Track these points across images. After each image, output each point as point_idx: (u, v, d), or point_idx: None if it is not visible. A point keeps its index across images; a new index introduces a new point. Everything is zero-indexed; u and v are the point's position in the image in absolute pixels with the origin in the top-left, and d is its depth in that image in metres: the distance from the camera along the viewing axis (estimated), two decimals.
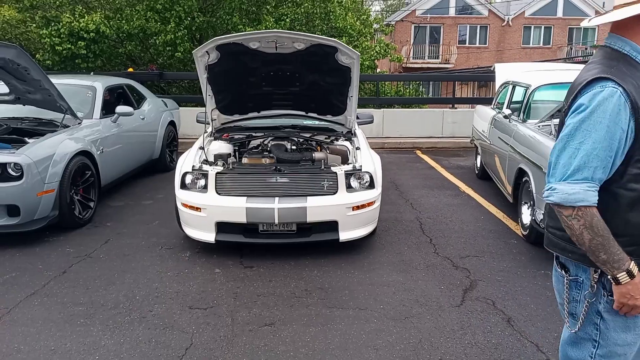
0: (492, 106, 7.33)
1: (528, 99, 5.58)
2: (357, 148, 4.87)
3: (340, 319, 3.34)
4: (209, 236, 4.31)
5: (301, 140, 5.16)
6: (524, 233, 4.87)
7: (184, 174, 4.40)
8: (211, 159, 4.67)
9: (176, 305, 3.54)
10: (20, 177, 4.46)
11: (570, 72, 6.51)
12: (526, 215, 4.93)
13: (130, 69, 10.85)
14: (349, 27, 11.86)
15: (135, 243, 4.72)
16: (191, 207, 4.33)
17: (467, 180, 7.30)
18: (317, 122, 5.57)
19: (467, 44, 31.02)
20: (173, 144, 8.14)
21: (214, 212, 4.24)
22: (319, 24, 11.82)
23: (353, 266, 4.21)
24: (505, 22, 30.69)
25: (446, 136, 10.66)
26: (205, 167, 4.37)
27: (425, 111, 11.20)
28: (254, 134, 5.27)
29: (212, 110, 5.18)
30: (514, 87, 6.39)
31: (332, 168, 4.35)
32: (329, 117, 5.37)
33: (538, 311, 3.47)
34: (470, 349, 3.02)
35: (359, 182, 4.44)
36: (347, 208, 4.28)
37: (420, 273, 4.09)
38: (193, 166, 4.38)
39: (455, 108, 11.02)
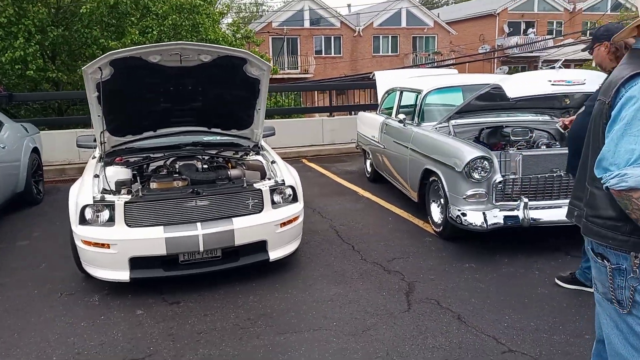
0: (377, 112, 7.57)
1: (421, 103, 5.82)
2: (273, 162, 4.66)
3: (298, 345, 3.12)
4: (122, 275, 3.80)
5: (207, 158, 4.80)
6: (437, 230, 5.05)
7: (84, 208, 3.82)
8: (111, 187, 4.12)
9: (108, 359, 3.02)
10: None
11: (449, 77, 6.99)
12: (436, 213, 5.13)
13: None
14: (220, 38, 11.54)
15: (25, 294, 3.99)
16: (96, 245, 3.77)
17: (360, 184, 7.45)
18: (218, 138, 5.24)
19: (323, 54, 32.18)
20: (38, 172, 7.15)
21: (126, 247, 3.74)
22: (187, 36, 11.32)
23: (288, 285, 4.00)
24: (357, 32, 32.43)
25: (327, 143, 10.83)
26: (109, 197, 3.84)
27: (306, 120, 11.28)
28: (152, 155, 4.77)
29: (101, 132, 4.59)
30: (401, 93, 6.65)
31: (255, 185, 4.10)
32: (234, 132, 5.07)
33: (480, 304, 3.58)
34: (438, 352, 3.00)
35: (282, 197, 4.24)
36: (275, 225, 4.05)
37: (357, 282, 4.01)
38: (94, 197, 3.82)
39: (334, 116, 11.26)
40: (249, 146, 5.07)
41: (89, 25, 10.10)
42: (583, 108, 3.59)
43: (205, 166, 4.57)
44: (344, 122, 11.14)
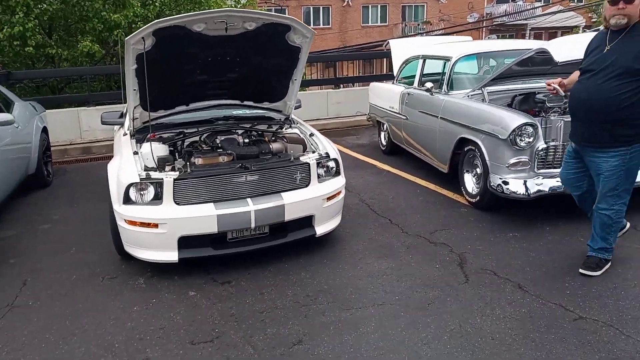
0: (394, 82, 7.45)
1: (450, 71, 5.72)
2: (311, 134, 4.56)
3: (367, 320, 3.09)
4: (170, 255, 3.70)
5: (244, 131, 4.68)
6: (472, 201, 5.02)
7: (129, 186, 3.70)
8: (151, 164, 3.99)
9: (173, 344, 2.95)
10: None
11: (477, 44, 6.89)
12: (470, 184, 5.10)
13: None
14: None
15: (64, 279, 3.88)
16: (142, 224, 3.66)
17: (376, 156, 7.38)
18: (248, 112, 5.10)
19: (312, 25, 31.59)
20: (47, 153, 6.93)
21: (176, 226, 3.64)
22: (189, 8, 10.96)
23: (337, 260, 3.95)
24: (346, 2, 31.87)
25: (332, 117, 10.69)
26: (155, 174, 3.72)
27: (310, 93, 11.09)
28: (186, 131, 4.63)
29: (135, 107, 4.43)
30: (424, 61, 6.53)
31: (302, 159, 4.01)
32: (266, 104, 4.94)
33: (537, 272, 3.58)
34: (510, 322, 2.99)
35: (325, 171, 4.16)
36: (322, 200, 3.99)
37: (405, 255, 3.98)
38: (139, 175, 3.70)
39: (339, 88, 11.10)
40: (281, 119, 4.96)
41: None
42: (579, 73, 3.47)
43: (247, 140, 4.44)
44: (350, 94, 11.01)
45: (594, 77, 3.24)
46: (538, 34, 33.84)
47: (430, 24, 32.51)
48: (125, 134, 4.65)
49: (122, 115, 5.29)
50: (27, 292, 3.69)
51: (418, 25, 32.40)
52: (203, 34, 3.85)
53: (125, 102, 4.79)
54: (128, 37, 3.81)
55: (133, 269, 3.92)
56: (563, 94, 3.64)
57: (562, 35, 31.83)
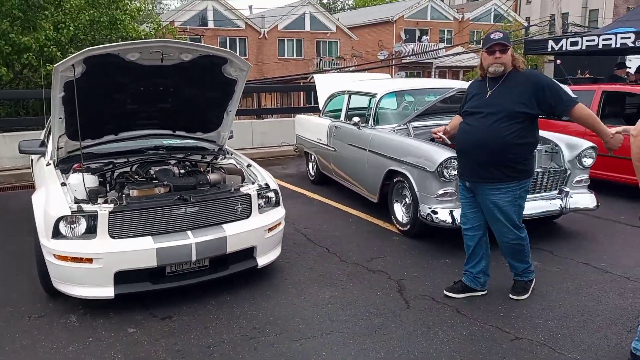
0: (320, 115, 7.65)
1: (376, 106, 5.99)
2: (249, 165, 4.55)
3: (317, 349, 3.09)
4: (106, 291, 3.50)
5: (177, 162, 4.57)
6: (403, 229, 5.23)
7: (59, 220, 3.47)
8: (81, 196, 3.79)
9: None
10: None
11: (400, 81, 7.26)
12: (400, 213, 5.31)
13: None
14: (143, 36, 10.96)
15: None
16: (74, 259, 3.45)
17: (306, 186, 7.49)
18: (179, 142, 5.00)
19: None
20: None
21: (112, 261, 3.46)
22: (105, 33, 10.60)
23: (280, 291, 3.93)
24: (262, 34, 32.32)
25: (257, 147, 10.72)
26: (87, 207, 3.53)
27: (234, 123, 11.04)
28: (115, 161, 4.45)
29: (60, 136, 4.21)
30: (350, 96, 6.78)
31: (242, 189, 3.98)
32: (199, 134, 4.87)
33: (471, 297, 3.78)
34: (453, 344, 3.12)
35: (264, 202, 4.16)
36: (264, 231, 3.97)
37: (346, 284, 4.04)
38: (71, 208, 3.49)
39: (263, 118, 11.17)
40: (214, 149, 4.91)
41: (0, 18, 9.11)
42: (463, 116, 3.66)
43: (182, 171, 4.35)
44: (274, 125, 11.13)
45: (483, 119, 3.42)
46: (442, 72, 36.27)
47: (344, 60, 33.76)
48: (48, 164, 4.39)
49: (43, 144, 4.99)
50: None
51: (332, 60, 33.52)
52: (137, 63, 3.77)
53: (43, 129, 4.50)
54: (57, 64, 3.66)
55: (63, 307, 3.66)
56: (449, 142, 3.83)
57: (464, 73, 34.32)
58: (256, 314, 3.57)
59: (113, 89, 4.06)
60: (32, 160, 5.62)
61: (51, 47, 9.80)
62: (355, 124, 6.14)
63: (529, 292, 3.76)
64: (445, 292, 3.82)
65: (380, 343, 3.16)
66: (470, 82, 3.85)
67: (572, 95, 3.49)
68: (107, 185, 4.19)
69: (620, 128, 3.40)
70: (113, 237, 3.50)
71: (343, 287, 3.99)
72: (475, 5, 41.65)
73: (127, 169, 4.40)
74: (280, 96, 17.27)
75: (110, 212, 3.49)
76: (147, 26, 12.44)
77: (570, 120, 3.62)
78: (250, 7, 40.41)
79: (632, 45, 9.18)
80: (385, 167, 5.37)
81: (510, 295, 3.74)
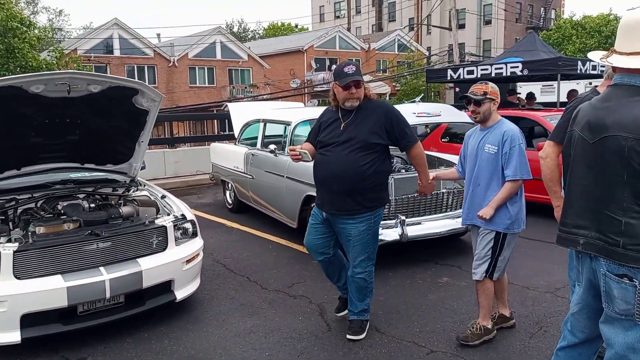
0: (236, 143, 7.67)
1: (291, 134, 6.12)
2: (163, 196, 4.47)
3: None
4: (12, 336, 3.27)
5: (87, 195, 4.38)
6: None
7: None
8: None
9: None
10: None
11: (312, 109, 7.44)
12: None
13: None
14: (44, 65, 10.42)
15: None
16: None
17: (224, 215, 7.42)
18: (87, 174, 4.81)
19: None
20: None
21: (18, 304, 3.24)
22: (3, 62, 9.96)
23: (200, 324, 3.86)
24: (172, 62, 31.80)
25: (171, 176, 10.47)
26: None
27: (147, 153, 10.72)
28: (18, 197, 4.19)
29: None
30: (265, 125, 6.87)
31: (157, 222, 3.90)
32: (109, 167, 4.72)
33: (388, 315, 3.93)
34: None
35: (181, 233, 4.10)
36: (182, 263, 3.90)
37: (268, 311, 4.06)
38: None
39: (176, 147, 10.96)
40: (125, 181, 4.77)
41: None
42: (319, 146, 3.53)
43: (93, 205, 4.18)
44: (188, 153, 10.94)
45: (338, 149, 3.39)
46: None
47: (257, 87, 34.00)
48: None
49: None
50: None
51: (245, 88, 33.63)
52: (41, 95, 3.63)
53: None
54: None
55: None
56: (310, 159, 3.55)
57: None
58: (176, 349, 3.48)
59: (15, 121, 3.87)
60: None
61: None
62: (271, 152, 6.22)
63: (365, 332, 3.61)
64: (335, 313, 3.86)
65: None
66: (323, 110, 3.76)
67: (415, 134, 3.69)
68: (10, 224, 3.93)
69: (438, 173, 3.88)
70: (18, 278, 3.29)
71: (265, 314, 4.00)
72: (380, 35, 43.77)
73: (32, 205, 4.16)
74: (193, 124, 17.03)
75: (14, 252, 3.28)
76: (48, 54, 11.86)
77: None
78: (158, 35, 39.91)
79: (520, 74, 10.11)
80: (303, 192, 5.48)
81: (348, 336, 3.55)
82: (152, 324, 3.82)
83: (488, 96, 3.36)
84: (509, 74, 10.26)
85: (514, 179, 3.28)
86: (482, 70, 10.78)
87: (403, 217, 4.91)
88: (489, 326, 3.49)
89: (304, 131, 6.57)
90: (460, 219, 5.31)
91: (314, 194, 5.26)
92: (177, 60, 32.18)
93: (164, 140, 11.23)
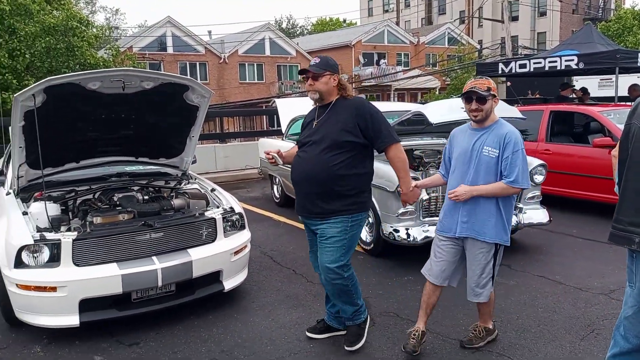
0: (284, 138, 7.77)
1: None
2: (212, 189, 4.59)
3: None
4: (71, 319, 3.46)
5: (140, 188, 4.58)
6: (367, 248, 5.35)
7: (21, 249, 3.43)
8: (43, 224, 3.75)
9: None
10: None
11: None
12: (363, 233, 5.43)
13: None
14: (101, 63, 10.89)
15: None
16: (38, 289, 3.41)
17: (272, 209, 7.54)
18: (141, 168, 5.01)
19: None
20: None
21: (77, 289, 3.43)
22: (62, 59, 10.48)
23: (247, 314, 3.96)
24: (222, 59, 32.45)
25: (221, 170, 10.73)
26: (51, 235, 3.50)
27: (198, 147, 11.03)
28: (77, 189, 4.42)
29: (20, 165, 4.18)
30: None
31: (207, 214, 4.02)
32: (162, 160, 4.89)
33: (435, 312, 3.90)
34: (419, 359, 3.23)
35: (229, 225, 4.21)
36: (230, 254, 4.01)
37: (314, 305, 4.11)
38: (33, 237, 3.46)
39: (226, 142, 11.21)
40: (178, 175, 4.94)
41: None
42: (298, 146, 3.37)
43: (146, 197, 4.35)
44: (238, 148, 11.17)
45: (310, 149, 3.18)
46: (401, 94, 37.16)
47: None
48: (8, 193, 4.32)
49: (1, 173, 4.90)
50: None
51: (294, 84, 33.88)
52: (98, 91, 3.81)
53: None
54: (17, 93, 3.68)
55: (26, 337, 3.59)
56: (282, 162, 3.35)
57: (422, 95, 35.23)
58: (224, 337, 3.58)
59: (74, 117, 4.07)
60: None
61: (6, 74, 9.62)
62: None
63: (365, 336, 3.40)
64: (307, 332, 3.56)
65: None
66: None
67: (394, 134, 3.22)
68: (70, 213, 4.16)
69: (418, 182, 3.40)
70: (77, 265, 3.48)
71: (310, 307, 4.05)
72: (430, 29, 43.08)
73: (90, 196, 4.39)
74: (243, 120, 17.39)
75: (74, 240, 3.47)
76: (105, 52, 12.37)
77: None
78: (209, 32, 40.77)
79: (576, 67, 9.73)
80: None
81: (345, 347, 3.35)
82: (202, 312, 3.95)
83: (492, 92, 3.06)
84: (563, 67, 9.89)
85: (514, 185, 3.00)
86: (535, 63, 10.44)
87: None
88: (490, 327, 3.40)
89: None
90: None
91: None
92: (228, 56, 32.79)
93: (215, 136, 11.51)
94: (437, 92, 34.54)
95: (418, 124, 5.60)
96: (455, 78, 30.24)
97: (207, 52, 32.39)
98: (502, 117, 3.27)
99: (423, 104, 6.53)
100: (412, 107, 6.23)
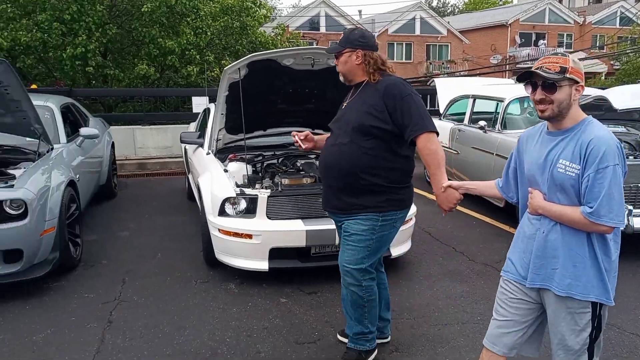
0: (441, 118, 7.79)
1: (503, 111, 6.04)
2: None
3: (455, 335, 3.32)
4: (261, 264, 3.99)
5: (314, 156, 5.00)
6: None
7: (225, 200, 4.02)
8: (239, 181, 4.33)
9: (279, 342, 3.22)
10: (22, 216, 3.70)
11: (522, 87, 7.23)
12: None
13: (34, 85, 9.51)
14: (270, 42, 11.81)
15: (160, 280, 4.18)
16: (236, 235, 3.97)
17: (425, 188, 7.53)
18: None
19: None
20: (113, 167, 7.32)
21: (268, 238, 3.93)
22: (237, 38, 11.55)
23: (412, 282, 4.20)
24: None
25: None
26: (249, 190, 4.04)
27: None
28: (264, 154, 4.99)
29: (219, 130, 4.85)
30: (474, 100, 6.87)
31: None
32: None
33: None
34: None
35: None
36: None
37: (477, 281, 4.20)
38: (235, 191, 4.02)
39: None
40: None
41: (148, 24, 10.31)
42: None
43: None
44: None
45: (333, 137, 2.81)
46: None
47: (455, 64, 33.20)
48: (208, 153, 5.00)
49: (201, 136, 5.67)
50: (129, 289, 4.01)
51: (442, 64, 33.12)
52: (290, 67, 4.24)
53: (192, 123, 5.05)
54: (227, 67, 4.26)
55: (222, 275, 4.21)
56: (303, 147, 3.07)
57: (586, 80, 32.18)
58: (392, 299, 3.81)
59: (268, 90, 4.59)
60: (185, 149, 6.37)
61: (191, 50, 10.83)
62: (481, 128, 6.23)
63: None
64: (338, 335, 3.22)
65: None
66: None
67: (429, 122, 2.63)
68: (259, 174, 4.71)
69: (455, 183, 2.52)
70: (269, 218, 3.98)
71: (474, 283, 4.16)
72: (599, 7, 39.05)
73: (274, 161, 4.91)
74: None
75: (268, 197, 3.96)
76: (272, 31, 13.31)
77: None
78: (360, 12, 41.19)
79: None
80: None
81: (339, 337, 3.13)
82: None
83: (568, 75, 1.98)
84: None
85: (596, 221, 1.89)
86: None
87: (630, 207, 4.57)
88: None
89: (516, 108, 6.45)
90: None
91: None
92: (377, 36, 32.94)
93: None
94: (602, 77, 31.39)
95: (597, 110, 5.29)
96: (627, 62, 27.19)
97: None
98: (625, 109, 2.28)
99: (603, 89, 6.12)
100: (590, 91, 5.88)
